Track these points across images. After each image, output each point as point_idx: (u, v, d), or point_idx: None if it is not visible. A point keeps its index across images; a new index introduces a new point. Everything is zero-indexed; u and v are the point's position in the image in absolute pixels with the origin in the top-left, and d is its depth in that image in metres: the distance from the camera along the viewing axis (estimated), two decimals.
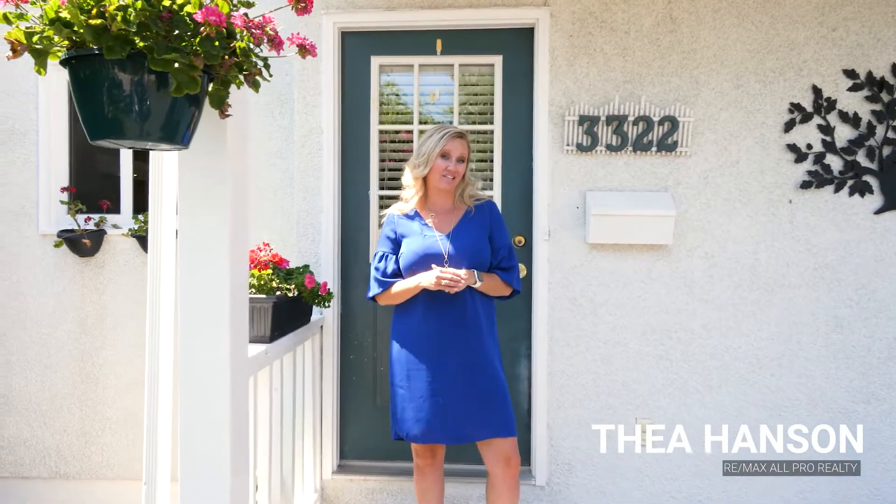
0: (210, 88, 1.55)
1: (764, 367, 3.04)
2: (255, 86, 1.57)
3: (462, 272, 2.31)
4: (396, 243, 2.45)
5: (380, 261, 2.45)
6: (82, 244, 3.62)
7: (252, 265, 2.42)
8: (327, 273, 3.14)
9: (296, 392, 2.78)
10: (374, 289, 2.44)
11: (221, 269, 1.79)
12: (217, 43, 1.42)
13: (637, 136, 3.00)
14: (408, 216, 2.47)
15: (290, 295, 2.43)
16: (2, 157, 3.77)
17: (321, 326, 3.12)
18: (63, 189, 3.65)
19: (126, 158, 3.81)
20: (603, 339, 3.07)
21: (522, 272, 3.14)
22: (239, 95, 1.79)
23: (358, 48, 3.20)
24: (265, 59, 1.61)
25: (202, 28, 1.36)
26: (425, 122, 3.22)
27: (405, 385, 2.37)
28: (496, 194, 3.17)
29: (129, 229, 3.61)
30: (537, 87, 3.06)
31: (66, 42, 1.39)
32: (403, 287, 2.38)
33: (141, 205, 3.77)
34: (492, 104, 3.19)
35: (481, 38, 3.15)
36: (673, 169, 3.02)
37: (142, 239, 3.59)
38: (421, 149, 2.43)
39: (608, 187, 3.04)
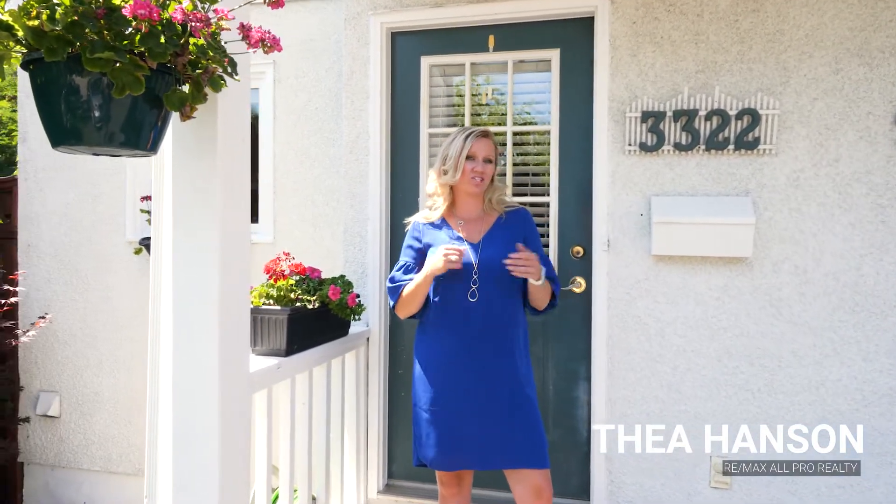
0: (186, 90, 1.46)
1: (871, 405, 2.54)
2: (214, 85, 1.46)
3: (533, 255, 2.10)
4: (421, 253, 2.28)
5: (397, 271, 2.29)
6: None
7: (269, 276, 2.34)
8: (373, 283, 3.02)
9: (331, 407, 2.67)
10: (390, 300, 2.28)
11: (210, 280, 1.71)
12: (163, 39, 1.33)
13: (710, 133, 2.62)
14: (434, 225, 2.29)
15: (311, 307, 2.33)
16: (94, 166, 4.02)
17: (367, 339, 3.00)
18: (143, 198, 3.81)
19: None
20: (671, 363, 2.71)
21: (581, 287, 2.85)
22: (232, 97, 1.70)
23: (408, 49, 3.06)
24: (230, 57, 1.49)
25: (133, 23, 1.27)
26: (478, 125, 3.02)
27: (430, 408, 2.18)
28: (552, 200, 2.90)
29: None
30: (597, 81, 2.77)
31: (24, 47, 1.34)
32: (413, 284, 2.18)
33: None
34: (548, 102, 2.93)
35: (537, 31, 2.91)
36: (755, 170, 2.61)
37: None
38: (447, 153, 2.24)
39: (677, 191, 2.68)
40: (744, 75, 2.61)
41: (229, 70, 1.51)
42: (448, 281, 2.16)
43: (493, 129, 2.97)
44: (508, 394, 2.15)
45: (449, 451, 2.17)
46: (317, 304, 2.35)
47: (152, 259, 1.94)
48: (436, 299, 2.22)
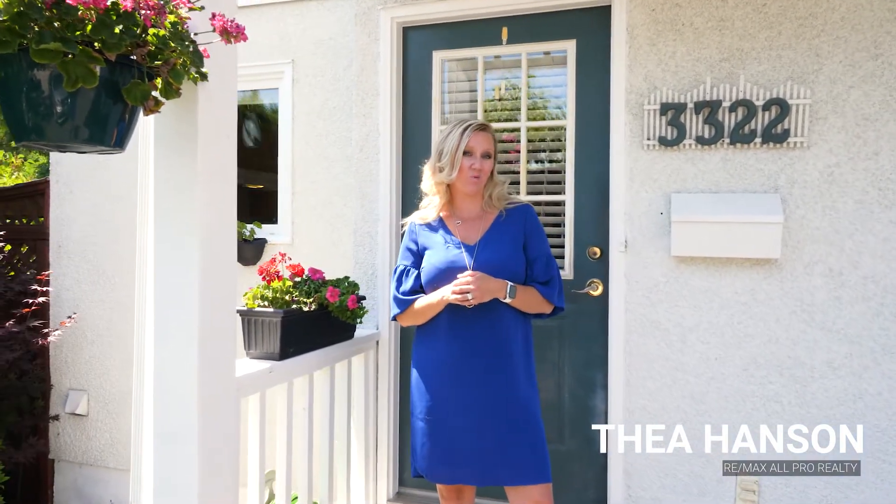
0: (159, 83, 1.41)
1: None
2: (176, 77, 1.39)
3: (476, 275, 1.96)
4: (419, 256, 2.17)
5: (399, 276, 2.18)
6: None
7: (262, 277, 2.28)
8: (383, 285, 2.94)
9: (335, 412, 2.59)
10: (393, 308, 2.18)
11: (190, 278, 1.66)
12: (118, 29, 1.27)
13: (735, 126, 2.44)
14: (430, 226, 2.17)
15: (307, 309, 2.25)
16: (122, 167, 4.05)
17: (376, 342, 2.92)
18: None
19: None
20: (693, 371, 2.54)
21: (598, 289, 2.71)
22: (214, 90, 1.64)
23: (419, 44, 2.97)
24: (195, 48, 1.43)
25: (79, 12, 1.21)
26: (491, 121, 2.91)
27: (426, 417, 2.08)
28: (568, 199, 2.77)
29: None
30: (614, 72, 2.62)
31: None
32: (426, 303, 2.08)
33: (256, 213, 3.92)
34: (564, 96, 2.79)
35: (551, 22, 2.78)
36: (784, 164, 2.42)
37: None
38: (442, 148, 2.11)
39: (699, 188, 2.51)
40: (772, 63, 2.43)
41: (196, 62, 1.45)
42: (444, 286, 2.05)
43: (507, 124, 2.87)
44: (506, 405, 2.03)
45: (445, 464, 2.06)
46: (314, 307, 2.28)
47: (137, 257, 1.91)
48: None
